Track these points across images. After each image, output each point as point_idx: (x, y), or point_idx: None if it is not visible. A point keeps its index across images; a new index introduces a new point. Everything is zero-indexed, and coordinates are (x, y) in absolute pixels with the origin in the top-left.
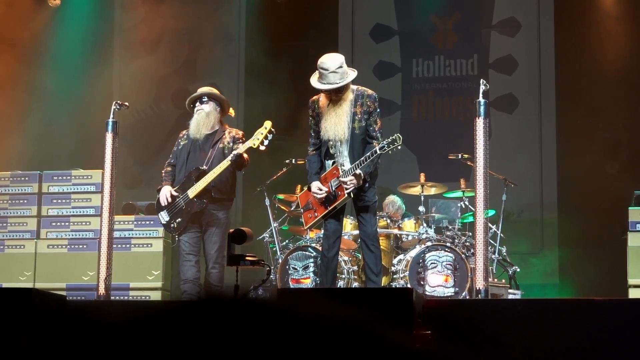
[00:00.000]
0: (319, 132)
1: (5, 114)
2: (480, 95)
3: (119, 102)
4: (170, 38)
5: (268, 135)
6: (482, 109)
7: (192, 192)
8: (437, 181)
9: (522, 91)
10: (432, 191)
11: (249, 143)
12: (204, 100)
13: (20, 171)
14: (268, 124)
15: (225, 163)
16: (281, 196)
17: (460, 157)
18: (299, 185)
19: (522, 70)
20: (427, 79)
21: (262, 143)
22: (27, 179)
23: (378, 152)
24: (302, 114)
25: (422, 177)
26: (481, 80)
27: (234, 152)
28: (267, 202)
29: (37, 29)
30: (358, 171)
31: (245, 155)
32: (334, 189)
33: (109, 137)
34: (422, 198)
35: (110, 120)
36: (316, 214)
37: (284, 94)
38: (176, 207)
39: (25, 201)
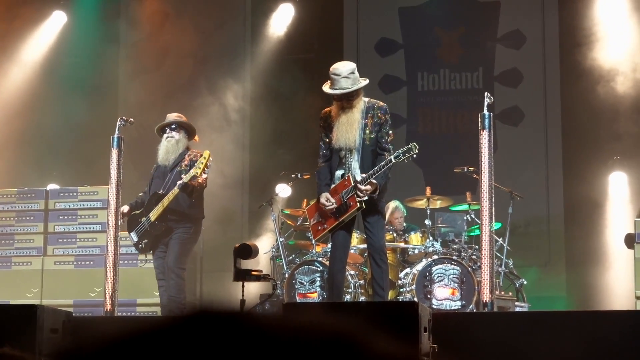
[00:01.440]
0: (329, 144)
1: (11, 131)
2: (485, 108)
3: (124, 117)
4: (175, 54)
5: (208, 164)
6: (487, 122)
7: (152, 215)
8: (443, 194)
9: (528, 104)
10: (438, 204)
11: (192, 172)
12: (173, 127)
13: (26, 188)
14: (206, 154)
15: (175, 191)
16: (287, 210)
17: (466, 170)
18: (305, 200)
19: (528, 83)
20: (433, 92)
21: (203, 171)
22: (33, 195)
23: (393, 160)
24: (308, 126)
25: (428, 190)
26: (486, 93)
27: (179, 181)
28: (274, 217)
29: (42, 45)
30: (373, 180)
31: (199, 181)
32: (345, 199)
33: (114, 153)
34: (428, 211)
35: (116, 136)
36: (325, 225)
37: (289, 107)
38: (142, 229)
39: (32, 218)
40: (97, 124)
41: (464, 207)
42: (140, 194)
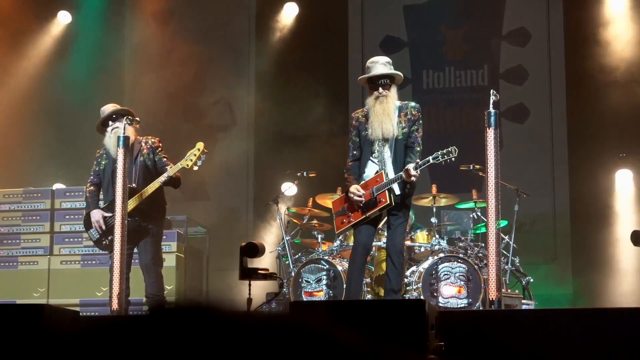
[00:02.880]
0: (358, 144)
1: (17, 131)
2: (491, 105)
3: (129, 117)
4: (179, 53)
5: (201, 156)
6: (492, 119)
7: None
8: (449, 192)
9: (533, 101)
10: (444, 202)
11: (182, 164)
12: (114, 117)
13: (32, 188)
14: (201, 145)
15: (156, 184)
16: (293, 209)
17: (471, 167)
18: (312, 198)
19: (533, 80)
20: (438, 90)
21: (195, 164)
22: (39, 195)
23: (431, 161)
24: (313, 125)
25: (434, 188)
26: (491, 90)
27: (165, 174)
28: (279, 216)
29: (48, 46)
30: (414, 171)
31: (177, 173)
32: (375, 195)
33: (120, 152)
34: (434, 209)
35: (122, 135)
36: (351, 219)
37: (294, 105)
38: (107, 225)
39: (38, 217)
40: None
41: (470, 205)
42: (91, 189)
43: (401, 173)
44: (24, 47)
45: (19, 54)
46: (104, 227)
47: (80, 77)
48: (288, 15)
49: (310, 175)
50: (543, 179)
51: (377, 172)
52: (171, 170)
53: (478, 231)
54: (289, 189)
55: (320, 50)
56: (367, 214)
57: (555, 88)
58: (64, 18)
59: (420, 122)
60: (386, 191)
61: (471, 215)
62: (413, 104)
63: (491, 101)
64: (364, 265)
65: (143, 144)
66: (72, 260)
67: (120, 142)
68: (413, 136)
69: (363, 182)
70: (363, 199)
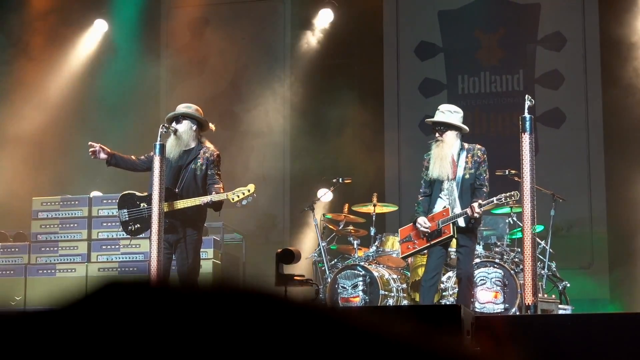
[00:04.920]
0: (429, 182)
1: (55, 139)
2: (526, 110)
3: (165, 124)
4: (216, 60)
5: (248, 197)
6: (527, 124)
7: None
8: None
9: (569, 106)
10: None
11: (228, 196)
12: (179, 119)
13: (70, 195)
14: (252, 187)
15: (197, 201)
16: (329, 215)
17: (507, 172)
18: (347, 205)
19: (569, 85)
20: (473, 95)
21: (240, 201)
22: (77, 203)
23: (495, 202)
24: (348, 130)
25: None
26: (526, 95)
27: (209, 197)
28: (315, 222)
29: (85, 55)
30: (479, 209)
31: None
32: (440, 226)
33: (156, 160)
34: None
35: (158, 143)
36: (416, 245)
37: (329, 111)
38: (139, 214)
39: (76, 225)
40: (139, 131)
41: (506, 210)
42: (134, 156)
43: (467, 209)
44: (62, 56)
45: (57, 62)
46: (99, 156)
47: (117, 85)
48: (323, 21)
49: (346, 181)
50: (579, 183)
51: (444, 207)
52: (216, 196)
53: (514, 236)
54: (325, 195)
55: (355, 57)
56: (431, 243)
57: (591, 92)
58: (100, 27)
59: (486, 164)
60: (450, 224)
61: (507, 221)
62: (479, 146)
63: (526, 106)
64: (435, 285)
65: (201, 153)
66: (110, 267)
67: (156, 150)
68: (480, 178)
69: (431, 214)
70: (429, 230)
